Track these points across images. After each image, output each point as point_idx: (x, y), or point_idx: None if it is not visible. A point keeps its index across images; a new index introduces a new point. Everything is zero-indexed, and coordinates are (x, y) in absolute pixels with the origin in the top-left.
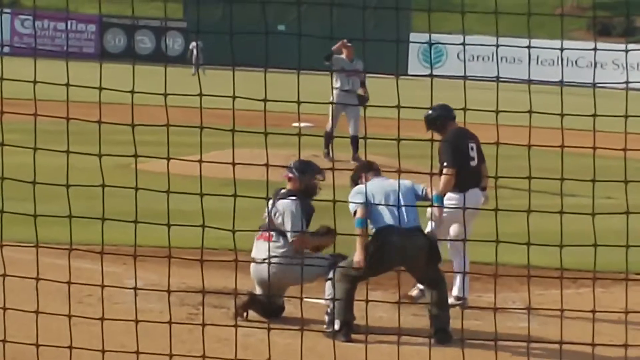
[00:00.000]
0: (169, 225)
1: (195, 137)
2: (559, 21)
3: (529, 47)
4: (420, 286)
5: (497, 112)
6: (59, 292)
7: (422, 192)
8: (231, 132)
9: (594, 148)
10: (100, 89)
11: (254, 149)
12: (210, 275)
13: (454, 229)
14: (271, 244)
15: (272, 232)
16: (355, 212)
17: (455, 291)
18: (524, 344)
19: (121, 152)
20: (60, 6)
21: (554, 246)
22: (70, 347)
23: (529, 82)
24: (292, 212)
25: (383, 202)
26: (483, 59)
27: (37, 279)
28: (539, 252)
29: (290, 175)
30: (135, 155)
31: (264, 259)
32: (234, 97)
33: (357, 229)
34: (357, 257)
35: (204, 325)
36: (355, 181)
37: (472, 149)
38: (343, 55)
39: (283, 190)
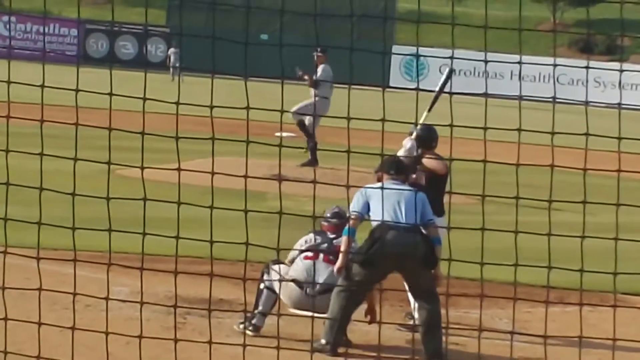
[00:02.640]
0: (143, 234)
1: (180, 143)
2: (541, 38)
3: (520, 62)
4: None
5: (485, 128)
6: (44, 297)
7: (428, 219)
8: (213, 141)
9: (585, 169)
10: (77, 91)
11: (238, 158)
12: (200, 283)
13: None
14: (332, 268)
15: (335, 259)
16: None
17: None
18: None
19: (104, 157)
20: (45, 9)
21: (542, 267)
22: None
23: (520, 98)
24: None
25: (386, 208)
26: (465, 73)
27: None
28: (526, 269)
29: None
30: (109, 163)
31: (323, 291)
32: (211, 107)
33: (343, 237)
34: (338, 263)
35: (176, 341)
36: (376, 172)
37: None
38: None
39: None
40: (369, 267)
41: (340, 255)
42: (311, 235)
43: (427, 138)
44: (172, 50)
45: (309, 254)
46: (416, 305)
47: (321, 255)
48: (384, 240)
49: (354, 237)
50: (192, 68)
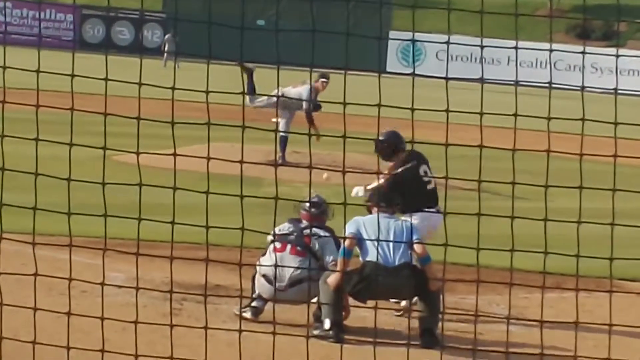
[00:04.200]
0: (139, 220)
1: (177, 129)
2: (538, 23)
3: (516, 47)
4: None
5: (481, 114)
6: (40, 283)
7: (415, 239)
8: (212, 126)
9: (581, 155)
10: (73, 76)
11: (234, 143)
12: (197, 269)
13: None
14: (301, 259)
15: (302, 249)
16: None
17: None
18: (506, 348)
19: (99, 143)
20: None
21: (538, 252)
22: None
23: (516, 84)
24: (334, 247)
25: (373, 237)
26: (462, 59)
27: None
28: (523, 255)
29: (323, 217)
30: (105, 148)
31: (292, 284)
32: (207, 92)
33: (339, 258)
34: (332, 279)
35: (172, 326)
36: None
37: (425, 172)
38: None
39: (315, 228)
40: (357, 298)
41: (336, 275)
42: (285, 224)
43: (386, 149)
44: (167, 36)
45: (278, 245)
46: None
47: (289, 247)
48: (374, 279)
49: (349, 258)
50: (188, 54)
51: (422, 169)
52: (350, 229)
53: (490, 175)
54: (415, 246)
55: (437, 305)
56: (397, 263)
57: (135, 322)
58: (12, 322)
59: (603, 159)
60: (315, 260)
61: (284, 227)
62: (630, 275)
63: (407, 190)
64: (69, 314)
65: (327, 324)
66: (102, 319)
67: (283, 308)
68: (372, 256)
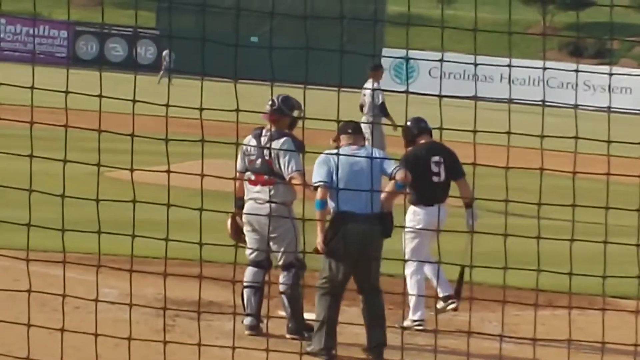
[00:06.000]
0: (133, 237)
1: (171, 146)
2: (531, 41)
3: (509, 65)
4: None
5: (474, 131)
6: (33, 299)
7: (392, 174)
8: (202, 143)
9: (574, 173)
10: (67, 92)
11: (228, 160)
12: (190, 285)
13: (427, 244)
14: (271, 188)
15: (271, 177)
16: (316, 188)
17: (440, 292)
18: None
19: (93, 159)
20: (35, 11)
21: (531, 270)
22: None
23: (510, 101)
24: (294, 152)
25: (345, 180)
26: (455, 76)
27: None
28: (516, 271)
29: (280, 114)
30: (99, 165)
31: (266, 201)
32: (201, 109)
33: (316, 212)
34: (318, 239)
35: (165, 343)
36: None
37: (436, 163)
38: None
39: (272, 130)
40: (333, 256)
41: (318, 232)
42: (249, 137)
43: (417, 123)
44: (166, 52)
45: (252, 176)
46: (362, 299)
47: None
48: (345, 231)
49: (324, 209)
50: (182, 70)
51: (434, 159)
52: (320, 176)
53: (483, 192)
54: (397, 172)
55: (384, 315)
56: (369, 211)
57: (129, 339)
58: (6, 337)
59: (596, 176)
60: (282, 181)
61: (247, 141)
62: (622, 293)
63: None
64: (62, 330)
65: (317, 346)
66: (96, 335)
67: (277, 324)
68: (344, 205)
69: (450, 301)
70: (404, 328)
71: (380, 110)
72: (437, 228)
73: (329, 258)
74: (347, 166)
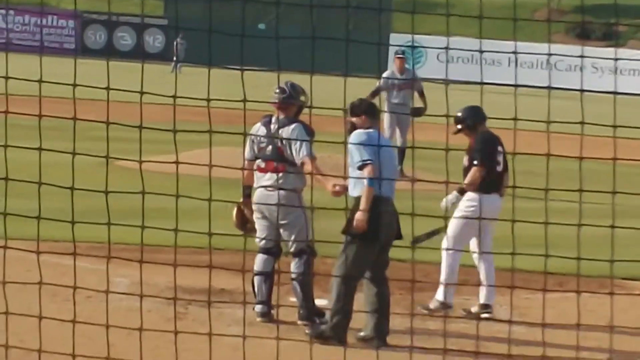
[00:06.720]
0: (142, 227)
1: (179, 134)
2: (537, 24)
3: (515, 52)
4: (439, 298)
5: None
6: (44, 289)
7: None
8: (211, 133)
9: (581, 158)
10: (75, 85)
11: (235, 148)
12: (201, 273)
13: (472, 235)
14: (281, 175)
15: (282, 164)
16: (363, 166)
17: (481, 299)
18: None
19: (102, 149)
20: (43, 2)
21: (540, 255)
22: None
23: (516, 86)
24: (305, 138)
25: (384, 163)
26: (462, 60)
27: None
28: (525, 255)
29: (290, 101)
30: (107, 157)
31: (275, 188)
32: (208, 99)
33: (368, 189)
34: (361, 215)
35: (177, 332)
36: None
37: (499, 153)
38: (393, 69)
39: (281, 117)
40: (364, 239)
41: (362, 212)
42: (258, 125)
43: (478, 111)
44: (178, 40)
45: (262, 164)
46: (369, 286)
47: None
48: (380, 215)
49: (375, 186)
50: (190, 60)
51: (499, 149)
52: (369, 155)
53: None
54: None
55: (389, 306)
56: (393, 195)
57: (140, 329)
58: (18, 328)
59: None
60: (293, 168)
61: (256, 129)
62: (632, 275)
63: (487, 162)
64: (74, 321)
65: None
66: (107, 325)
67: (289, 311)
68: (385, 188)
69: (485, 310)
70: (430, 309)
71: (420, 95)
72: (493, 217)
73: (361, 241)
74: (385, 150)
